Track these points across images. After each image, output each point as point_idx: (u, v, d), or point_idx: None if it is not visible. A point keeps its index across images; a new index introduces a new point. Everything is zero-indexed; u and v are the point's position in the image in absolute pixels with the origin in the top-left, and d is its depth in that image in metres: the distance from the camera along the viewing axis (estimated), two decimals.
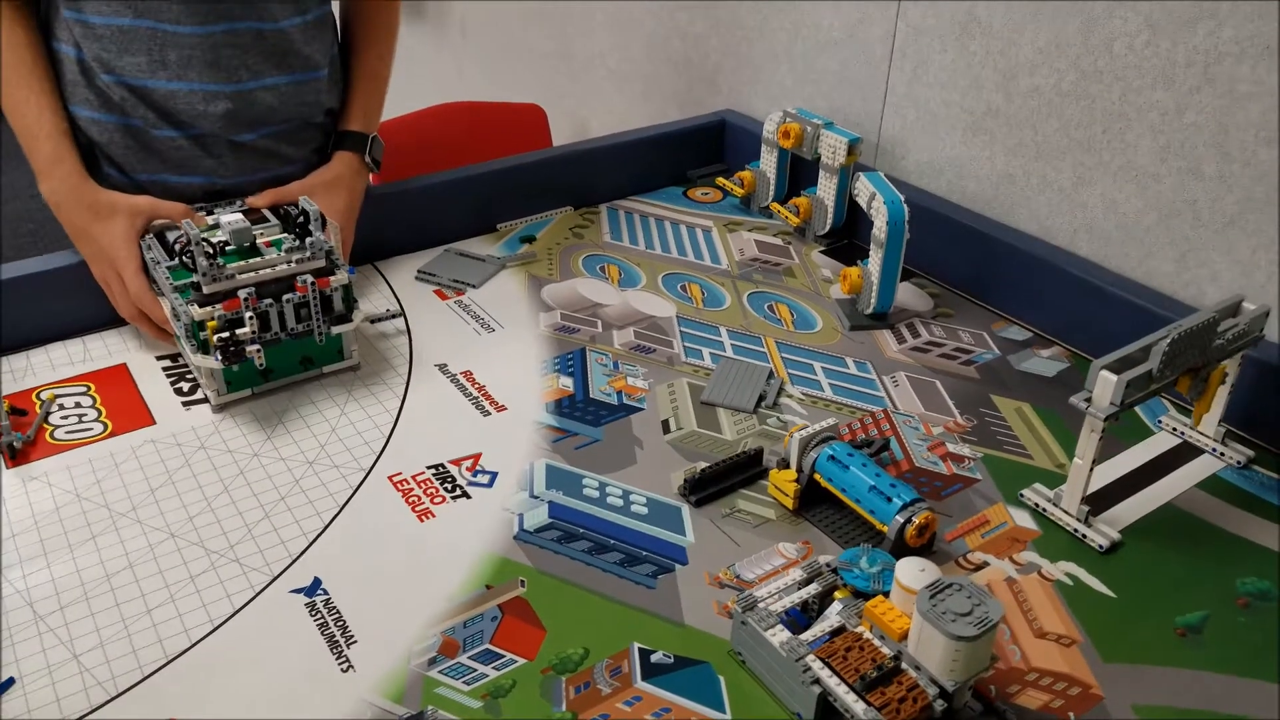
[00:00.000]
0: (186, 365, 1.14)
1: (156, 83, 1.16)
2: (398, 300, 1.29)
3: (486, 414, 1.09)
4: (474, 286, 1.33)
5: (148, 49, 1.15)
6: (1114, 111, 1.17)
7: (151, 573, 0.87)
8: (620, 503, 0.97)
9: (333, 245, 1.10)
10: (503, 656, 0.80)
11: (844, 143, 1.39)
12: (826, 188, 1.44)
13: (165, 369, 1.14)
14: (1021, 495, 0.97)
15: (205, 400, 1.08)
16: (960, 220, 1.33)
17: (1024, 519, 0.95)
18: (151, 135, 1.19)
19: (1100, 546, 0.91)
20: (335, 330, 1.10)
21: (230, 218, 1.08)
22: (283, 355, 1.09)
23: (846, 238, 1.48)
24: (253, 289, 1.03)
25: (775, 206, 1.53)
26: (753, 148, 1.56)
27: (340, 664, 0.79)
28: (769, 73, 1.66)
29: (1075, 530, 0.92)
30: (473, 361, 1.17)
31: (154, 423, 1.06)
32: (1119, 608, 0.85)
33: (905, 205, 1.21)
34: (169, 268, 1.08)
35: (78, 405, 1.07)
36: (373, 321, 1.23)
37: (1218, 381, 0.95)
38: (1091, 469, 0.90)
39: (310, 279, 1.06)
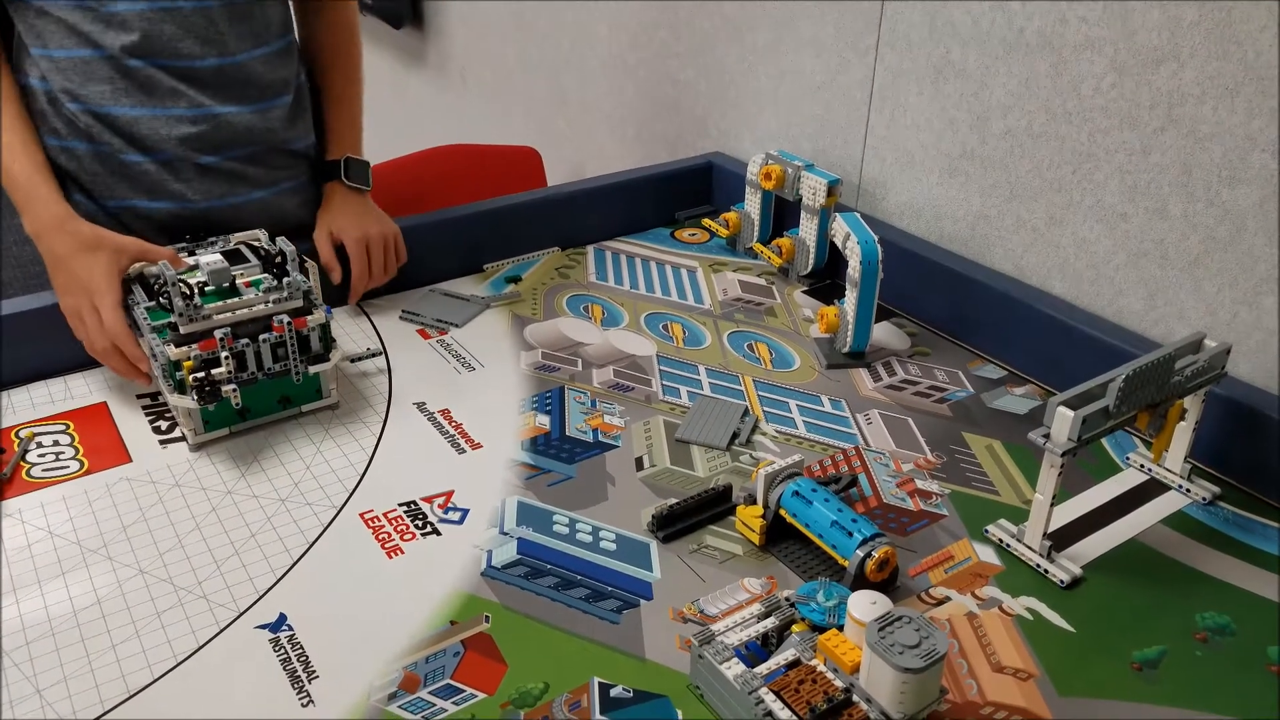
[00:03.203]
0: (166, 404, 1.16)
1: (120, 109, 1.20)
2: (380, 340, 1.31)
3: (462, 452, 1.10)
4: (457, 326, 1.35)
5: (110, 78, 1.19)
6: (1083, 152, 1.19)
7: (118, 609, 0.88)
8: (589, 539, 0.98)
9: (310, 285, 1.12)
10: (463, 691, 0.81)
11: (823, 184, 1.40)
12: (808, 228, 1.45)
13: (145, 407, 1.16)
14: (986, 531, 0.97)
15: (183, 439, 1.10)
16: (938, 260, 1.34)
17: (988, 554, 0.95)
18: (119, 160, 1.23)
19: (1061, 582, 0.91)
20: (313, 370, 1.12)
21: (209, 258, 1.10)
22: (260, 395, 1.10)
23: (829, 278, 1.50)
24: (229, 329, 1.05)
25: (758, 247, 1.55)
26: (740, 189, 1.58)
27: (300, 699, 0.80)
28: (755, 117, 1.69)
29: (1037, 565, 0.93)
30: (451, 400, 1.19)
31: (130, 460, 1.07)
32: (1077, 642, 0.85)
33: (879, 245, 1.22)
34: (147, 308, 1.10)
35: (56, 443, 1.09)
36: (353, 360, 1.25)
37: (1176, 417, 0.95)
38: (1053, 504, 0.91)
39: (287, 319, 1.08)
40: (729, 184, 1.67)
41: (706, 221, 1.64)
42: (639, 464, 1.08)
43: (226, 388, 1.05)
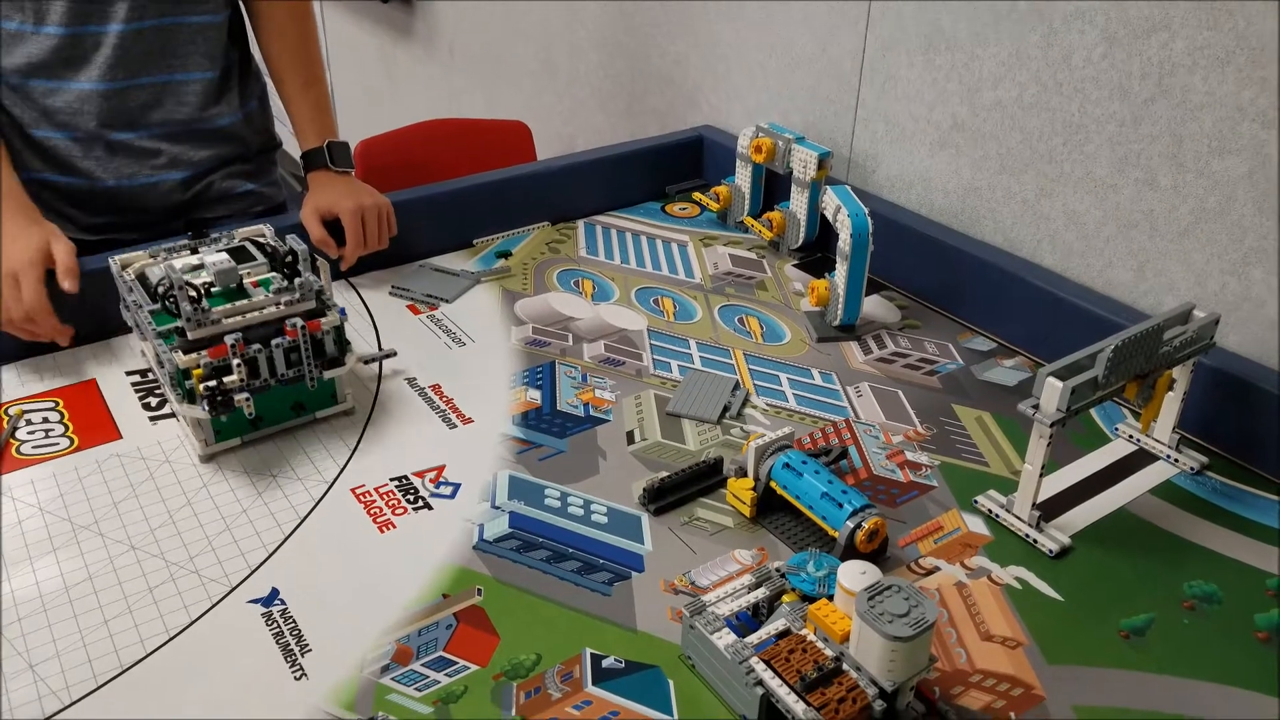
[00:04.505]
0: (155, 379, 1.15)
1: (36, 82, 1.23)
2: (370, 315, 1.30)
3: (453, 426, 1.10)
4: (447, 301, 1.35)
5: (29, 52, 1.21)
6: (1073, 123, 1.19)
7: (110, 584, 0.88)
8: (581, 512, 0.98)
9: (323, 285, 1.07)
10: (456, 663, 0.81)
11: (814, 157, 1.40)
12: (799, 202, 1.45)
13: (134, 384, 1.15)
14: (975, 501, 0.98)
15: (172, 415, 1.09)
16: (928, 233, 1.34)
17: (977, 525, 0.96)
18: (30, 134, 1.25)
19: (1050, 551, 0.91)
20: (328, 375, 1.07)
21: (215, 257, 1.06)
22: (273, 402, 1.05)
23: (820, 251, 1.50)
24: (240, 334, 1.00)
25: (749, 221, 1.54)
26: (730, 163, 1.57)
27: (294, 672, 0.80)
28: (745, 89, 1.68)
29: (1026, 535, 0.93)
30: (442, 375, 1.18)
31: (120, 437, 1.07)
32: (1066, 611, 0.86)
33: (869, 218, 1.22)
34: (151, 311, 1.04)
35: (45, 420, 1.09)
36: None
37: (1164, 388, 0.96)
38: (1042, 474, 0.91)
39: (300, 322, 1.03)
40: (719, 157, 1.66)
41: (697, 195, 1.64)
42: (630, 438, 1.08)
43: (239, 397, 1.00)
